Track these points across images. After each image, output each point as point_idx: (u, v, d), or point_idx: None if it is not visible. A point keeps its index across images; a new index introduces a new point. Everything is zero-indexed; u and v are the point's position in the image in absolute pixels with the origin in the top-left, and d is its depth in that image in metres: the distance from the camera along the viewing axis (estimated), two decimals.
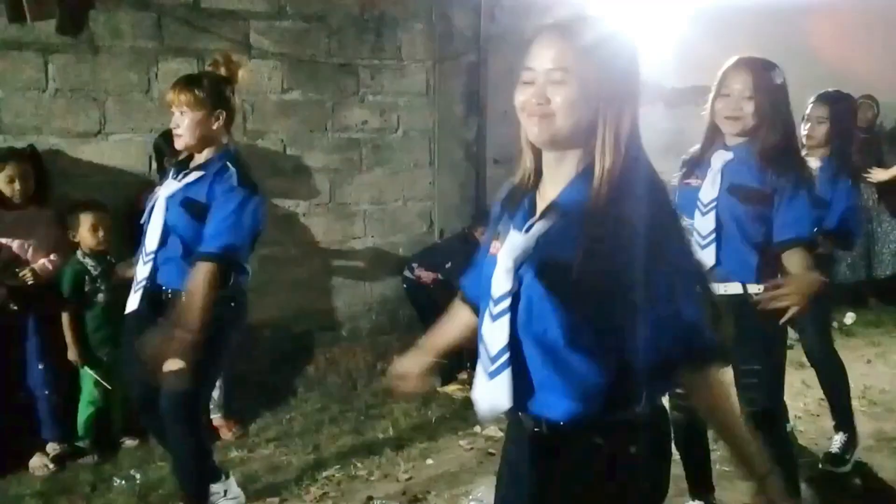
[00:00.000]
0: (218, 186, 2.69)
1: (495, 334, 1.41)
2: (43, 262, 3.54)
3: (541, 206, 1.44)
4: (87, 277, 3.63)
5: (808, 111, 3.41)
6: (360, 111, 4.75)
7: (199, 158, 2.79)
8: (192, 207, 2.70)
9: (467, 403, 4.37)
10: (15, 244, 3.51)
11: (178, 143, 2.77)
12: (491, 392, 1.41)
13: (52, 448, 3.59)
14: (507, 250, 1.41)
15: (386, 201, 4.92)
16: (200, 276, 2.60)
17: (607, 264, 1.31)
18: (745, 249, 2.52)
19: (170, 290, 2.76)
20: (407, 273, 4.79)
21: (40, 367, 3.58)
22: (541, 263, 1.37)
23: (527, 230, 1.40)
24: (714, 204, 2.54)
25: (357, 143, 4.77)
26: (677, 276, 1.36)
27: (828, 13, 5.90)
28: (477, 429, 4.03)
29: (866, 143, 5.56)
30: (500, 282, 1.40)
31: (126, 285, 3.63)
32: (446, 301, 4.97)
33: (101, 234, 3.63)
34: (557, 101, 1.34)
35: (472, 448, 3.82)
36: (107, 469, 3.54)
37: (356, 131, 4.77)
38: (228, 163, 2.75)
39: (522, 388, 1.40)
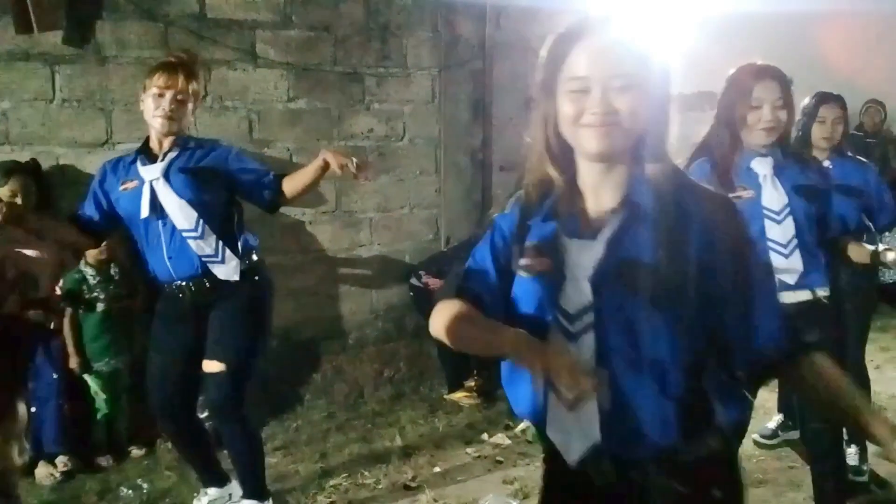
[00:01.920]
0: (218, 149, 2.89)
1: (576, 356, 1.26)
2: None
3: (594, 213, 1.34)
4: (85, 287, 3.64)
5: (820, 112, 3.37)
6: (365, 119, 4.76)
7: (166, 144, 2.83)
8: (198, 173, 2.79)
9: (474, 411, 4.37)
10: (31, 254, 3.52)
11: (170, 128, 2.78)
12: (577, 426, 1.29)
13: (62, 462, 3.59)
14: (575, 261, 1.31)
15: (392, 209, 4.93)
16: (298, 179, 2.88)
17: (690, 263, 1.26)
18: (817, 251, 2.55)
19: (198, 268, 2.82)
20: (414, 281, 4.79)
21: (55, 376, 3.59)
22: (622, 269, 1.28)
23: (592, 237, 1.31)
24: (788, 209, 2.52)
25: (363, 150, 4.77)
26: (758, 270, 1.32)
27: (833, 19, 5.90)
28: (484, 436, 4.02)
29: (872, 147, 5.55)
30: (577, 295, 1.29)
31: (125, 294, 3.68)
32: None
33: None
34: (624, 109, 1.25)
35: (479, 456, 3.81)
36: (114, 479, 3.54)
37: (362, 139, 4.77)
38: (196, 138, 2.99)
39: (609, 419, 1.27)
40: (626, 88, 1.25)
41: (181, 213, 2.76)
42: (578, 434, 1.29)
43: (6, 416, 3.17)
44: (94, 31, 3.97)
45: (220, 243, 2.81)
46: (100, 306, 3.67)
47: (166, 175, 2.77)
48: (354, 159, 2.78)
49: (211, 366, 2.86)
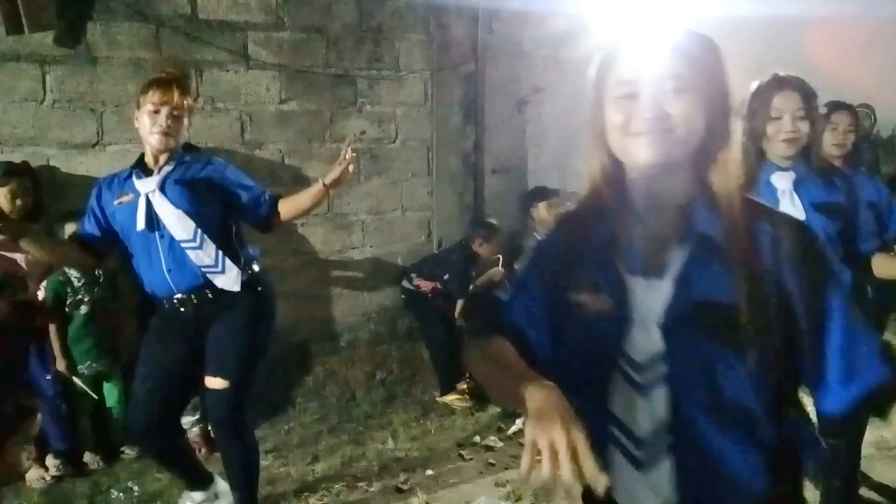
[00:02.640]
0: (214, 163, 2.87)
1: (646, 411, 1.15)
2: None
3: (655, 246, 1.19)
4: (69, 289, 3.62)
5: (832, 119, 3.37)
6: (358, 121, 4.76)
7: (162, 158, 2.78)
8: (196, 185, 2.76)
9: (466, 413, 4.37)
10: (18, 258, 3.51)
11: (167, 143, 2.74)
12: (649, 489, 1.16)
13: (54, 465, 3.57)
14: (641, 302, 1.17)
15: (384, 211, 4.92)
16: (294, 201, 2.90)
17: (770, 300, 1.12)
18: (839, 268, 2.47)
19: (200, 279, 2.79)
20: (405, 283, 4.79)
21: (48, 377, 3.58)
22: (695, 312, 1.13)
23: (658, 275, 1.17)
24: None
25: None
26: (843, 293, 1.18)
27: (823, 23, 5.93)
28: (477, 439, 4.02)
29: (862, 152, 5.58)
30: (645, 342, 1.15)
31: (110, 297, 3.66)
32: (444, 311, 4.96)
33: None
34: (677, 113, 1.13)
35: (471, 458, 3.80)
36: (104, 481, 3.52)
37: (354, 141, 4.74)
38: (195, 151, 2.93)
39: (688, 476, 1.15)
40: (679, 92, 1.14)
41: (179, 224, 2.72)
42: (647, 494, 1.17)
43: (24, 421, 3.17)
44: (86, 32, 3.95)
45: (220, 253, 2.77)
46: (83, 309, 3.64)
47: (162, 187, 2.74)
48: (347, 156, 2.86)
49: (214, 382, 2.82)
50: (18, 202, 3.55)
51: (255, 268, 2.92)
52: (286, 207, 2.87)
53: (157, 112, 2.70)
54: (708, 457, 1.14)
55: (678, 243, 1.17)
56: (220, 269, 2.77)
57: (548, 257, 1.31)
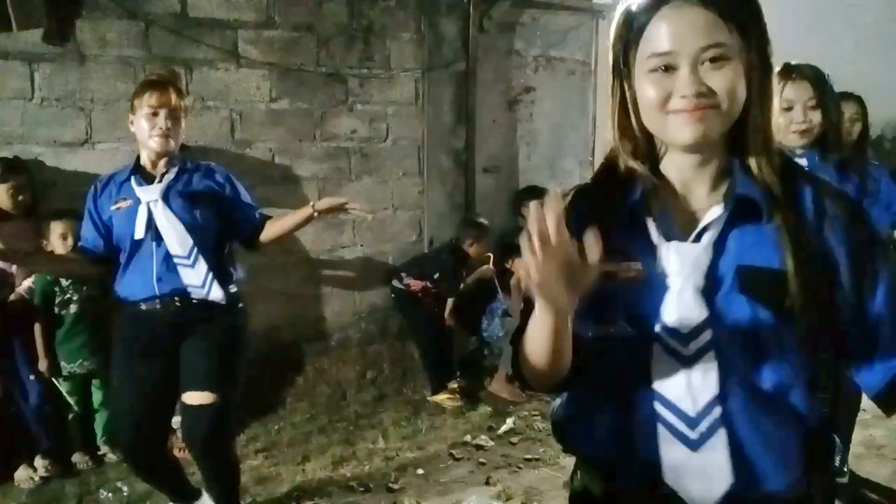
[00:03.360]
0: (217, 174, 2.82)
1: (695, 383, 1.06)
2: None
3: (689, 210, 1.12)
4: (57, 289, 3.60)
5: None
6: (348, 120, 4.75)
7: (161, 164, 2.72)
8: (198, 197, 2.72)
9: (457, 413, 4.37)
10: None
11: (166, 146, 2.67)
12: (702, 469, 1.06)
13: (42, 465, 3.55)
14: (677, 268, 1.08)
15: (375, 210, 4.91)
16: (280, 223, 2.86)
17: (816, 260, 1.05)
18: None
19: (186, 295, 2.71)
20: (395, 283, 4.79)
21: (32, 378, 3.56)
22: (738, 276, 1.07)
23: (696, 239, 1.09)
24: None
25: (346, 151, 4.76)
26: (890, 263, 1.10)
27: (812, 23, 5.95)
28: (467, 438, 4.02)
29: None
30: (686, 310, 1.07)
31: (99, 295, 3.64)
32: (434, 310, 4.96)
33: (69, 242, 3.58)
34: (720, 87, 1.03)
35: (462, 457, 3.80)
36: (93, 481, 3.50)
37: (345, 140, 4.76)
38: (193, 158, 2.89)
39: (738, 457, 1.06)
40: (721, 62, 1.03)
41: (177, 239, 2.65)
42: (697, 475, 1.07)
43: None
44: (74, 30, 3.93)
45: (210, 275, 2.68)
46: (73, 308, 3.62)
47: (165, 198, 2.67)
48: (347, 204, 2.84)
49: (197, 397, 2.66)
50: (20, 198, 3.56)
51: (234, 288, 2.80)
52: (271, 228, 2.85)
53: (155, 115, 2.63)
54: (758, 432, 1.06)
55: (715, 206, 1.10)
56: (205, 290, 2.68)
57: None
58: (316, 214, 2.81)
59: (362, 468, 3.66)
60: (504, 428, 4.16)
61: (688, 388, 1.06)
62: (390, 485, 3.49)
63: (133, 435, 2.77)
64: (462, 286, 4.74)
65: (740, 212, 1.08)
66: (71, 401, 3.66)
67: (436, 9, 4.95)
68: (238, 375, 2.80)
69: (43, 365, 3.57)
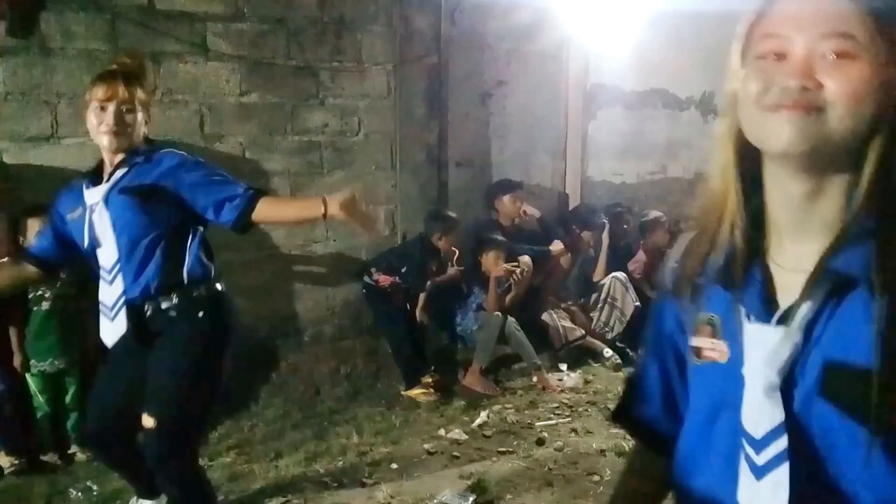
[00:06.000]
0: (166, 163, 2.48)
1: (766, 496, 0.87)
2: None
3: (785, 277, 0.90)
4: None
5: None
6: (320, 114, 4.72)
7: (115, 161, 2.50)
8: (137, 192, 2.44)
9: (431, 407, 4.37)
10: None
11: (119, 144, 2.45)
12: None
13: (9, 462, 3.51)
14: (758, 356, 0.88)
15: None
16: (278, 212, 2.57)
17: None
18: None
19: (152, 302, 2.50)
20: (366, 278, 4.77)
21: None
22: (824, 371, 0.84)
23: (779, 321, 0.88)
24: None
25: (318, 146, 4.73)
26: None
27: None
28: (441, 432, 4.02)
29: None
30: (762, 411, 0.87)
31: (74, 294, 3.59)
32: (404, 305, 4.93)
33: None
34: (834, 87, 0.82)
35: (436, 452, 3.81)
36: (62, 480, 3.45)
37: (317, 134, 4.73)
38: (159, 147, 2.57)
39: None
40: (843, 58, 0.82)
41: (107, 248, 2.47)
42: None
43: None
44: (39, 23, 3.85)
45: (121, 300, 2.47)
46: (45, 305, 3.57)
47: (107, 199, 2.46)
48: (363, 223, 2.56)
49: (144, 419, 2.48)
50: None
51: (198, 292, 2.53)
52: (268, 210, 2.48)
53: (103, 109, 2.43)
54: None
55: (822, 277, 0.86)
56: (112, 314, 2.50)
57: (666, 311, 1.05)
58: (324, 220, 2.47)
59: (336, 464, 3.65)
60: (478, 421, 4.16)
61: (758, 499, 0.88)
62: (364, 480, 3.49)
63: (99, 426, 2.69)
64: (429, 284, 4.73)
65: (838, 286, 0.85)
66: (42, 399, 3.61)
67: (407, 2, 4.92)
68: (192, 392, 2.50)
69: (17, 360, 3.54)
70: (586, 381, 4.84)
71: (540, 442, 3.91)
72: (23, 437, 3.57)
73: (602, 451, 3.77)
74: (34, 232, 3.51)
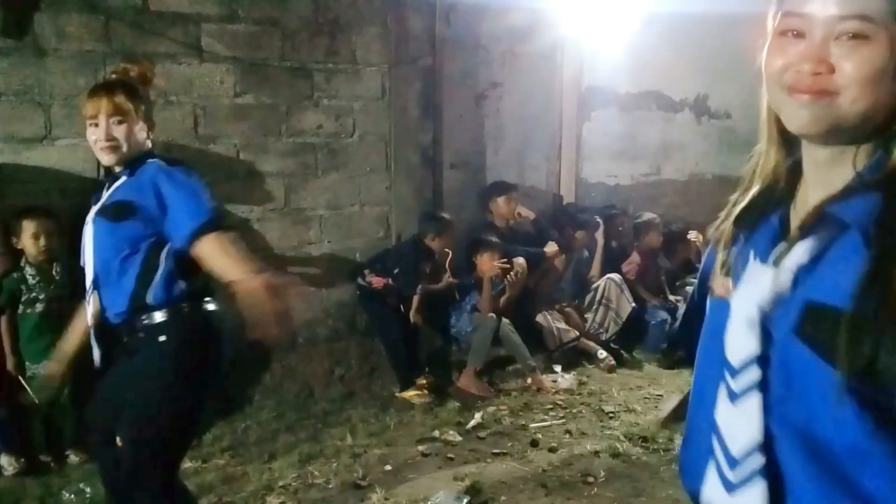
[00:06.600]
0: (144, 176, 2.36)
1: (738, 422, 0.92)
2: None
3: (796, 223, 0.94)
4: (23, 286, 3.54)
5: None
6: (314, 115, 4.71)
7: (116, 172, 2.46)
8: (111, 211, 2.36)
9: (425, 409, 4.37)
10: None
11: (119, 157, 2.38)
12: None
13: (9, 462, 3.50)
14: (746, 292, 0.94)
15: (342, 206, 4.89)
16: (212, 256, 2.25)
17: None
18: None
19: (122, 325, 2.40)
20: (360, 280, 4.77)
21: None
22: (804, 311, 0.87)
23: (776, 261, 0.92)
24: None
25: (312, 147, 4.73)
26: None
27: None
28: (436, 434, 4.02)
29: None
30: (740, 341, 0.93)
31: (67, 296, 3.58)
32: (397, 307, 4.87)
33: (42, 242, 3.53)
34: (850, 70, 0.84)
35: (430, 453, 3.80)
36: (56, 483, 3.44)
37: (311, 136, 4.73)
38: (148, 158, 2.43)
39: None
40: (861, 38, 0.84)
41: (88, 267, 2.41)
42: None
43: None
44: (33, 23, 3.84)
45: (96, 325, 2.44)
46: (38, 307, 3.56)
47: (94, 217, 2.41)
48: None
49: (117, 439, 2.43)
50: None
51: (162, 316, 2.35)
52: (208, 249, 2.27)
53: (95, 125, 2.37)
54: (799, 492, 0.89)
55: (817, 223, 0.90)
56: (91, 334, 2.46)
57: (710, 253, 1.09)
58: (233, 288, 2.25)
59: (330, 465, 3.65)
60: (472, 423, 4.17)
61: (730, 425, 0.94)
62: (358, 482, 3.48)
63: (92, 437, 2.67)
64: (420, 289, 4.73)
65: (827, 233, 0.88)
66: (36, 401, 3.60)
67: (402, 3, 4.93)
68: (159, 417, 2.36)
69: (10, 364, 3.53)
70: (581, 383, 4.85)
71: (534, 443, 3.92)
72: (20, 439, 3.57)
73: (596, 453, 3.78)
74: (28, 233, 3.51)
